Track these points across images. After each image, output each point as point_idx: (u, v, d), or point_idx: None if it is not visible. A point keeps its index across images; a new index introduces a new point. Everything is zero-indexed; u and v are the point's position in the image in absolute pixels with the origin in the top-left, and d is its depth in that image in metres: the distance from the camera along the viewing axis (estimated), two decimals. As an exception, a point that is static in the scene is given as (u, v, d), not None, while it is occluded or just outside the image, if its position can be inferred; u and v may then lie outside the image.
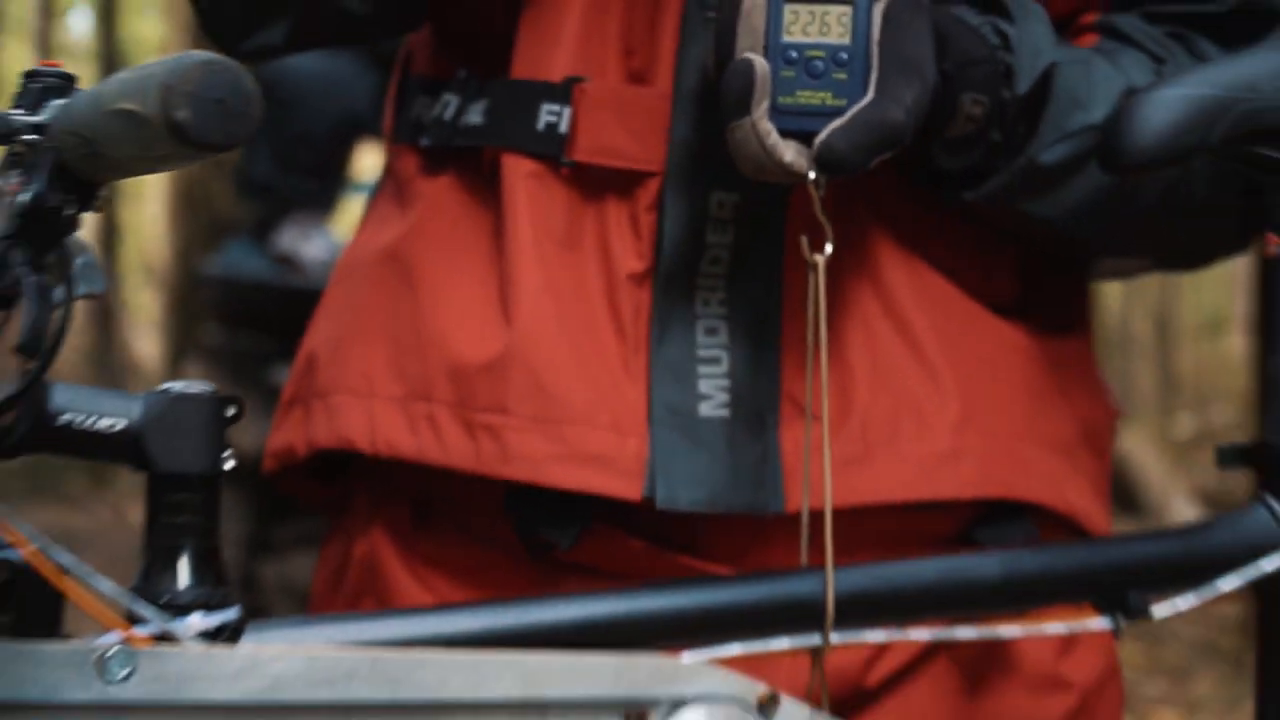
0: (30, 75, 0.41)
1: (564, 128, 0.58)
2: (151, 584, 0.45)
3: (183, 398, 0.45)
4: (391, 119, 0.69)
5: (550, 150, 0.58)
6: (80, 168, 0.39)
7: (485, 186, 0.61)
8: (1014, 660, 0.64)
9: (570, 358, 0.57)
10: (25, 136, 0.39)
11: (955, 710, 0.62)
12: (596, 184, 0.59)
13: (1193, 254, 0.71)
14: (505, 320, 0.58)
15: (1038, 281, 0.66)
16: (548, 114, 0.58)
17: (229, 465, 0.45)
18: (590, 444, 0.56)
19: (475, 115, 0.61)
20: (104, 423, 0.44)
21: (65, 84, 0.41)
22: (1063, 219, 0.60)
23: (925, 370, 0.60)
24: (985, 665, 0.63)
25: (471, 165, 0.63)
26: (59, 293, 0.40)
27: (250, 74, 0.36)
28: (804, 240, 0.52)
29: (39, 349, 0.39)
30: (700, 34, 0.55)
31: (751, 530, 0.59)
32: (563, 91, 0.58)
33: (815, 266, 0.51)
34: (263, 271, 2.14)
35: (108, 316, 7.41)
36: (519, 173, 0.59)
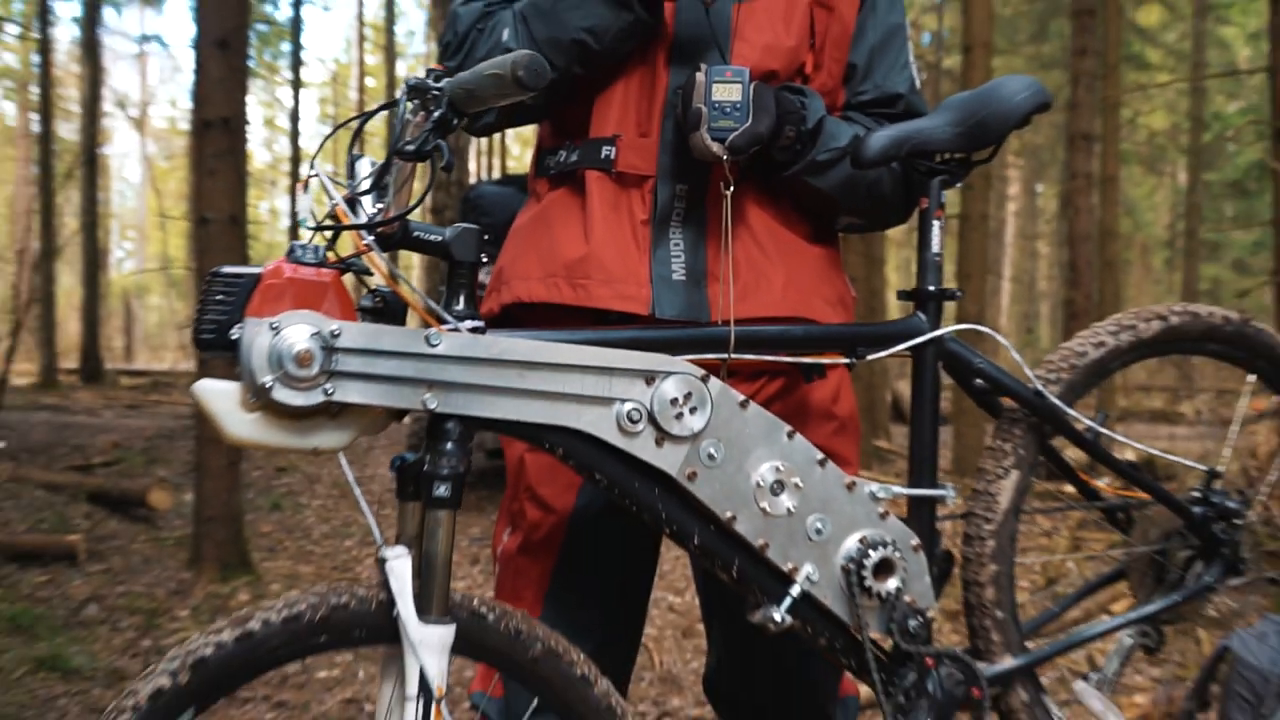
0: (428, 71, 0.94)
1: (612, 156, 1.26)
2: (446, 304, 0.99)
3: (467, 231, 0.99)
4: (533, 169, 1.39)
5: (606, 167, 1.28)
6: (461, 103, 0.93)
7: (577, 189, 1.30)
8: (810, 402, 1.30)
9: (616, 256, 1.25)
10: (433, 91, 0.93)
11: (777, 414, 1.25)
12: (626, 181, 1.27)
13: (883, 219, 1.41)
14: (586, 241, 1.26)
15: (818, 224, 1.34)
16: (605, 150, 1.27)
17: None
18: (627, 291, 1.23)
19: (574, 156, 1.29)
20: (432, 235, 0.98)
21: (444, 73, 0.94)
22: (828, 189, 1.28)
23: (768, 260, 1.27)
24: (797, 404, 1.28)
25: (571, 180, 1.29)
26: (449, 159, 0.94)
27: (538, 60, 0.91)
28: (723, 186, 1.17)
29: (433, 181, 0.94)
30: (671, 114, 1.24)
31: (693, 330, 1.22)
32: (611, 141, 1.28)
33: (726, 197, 1.16)
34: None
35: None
36: (593, 178, 1.28)
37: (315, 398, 0.93)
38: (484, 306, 1.32)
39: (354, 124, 1.06)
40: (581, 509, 1.31)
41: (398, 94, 0.98)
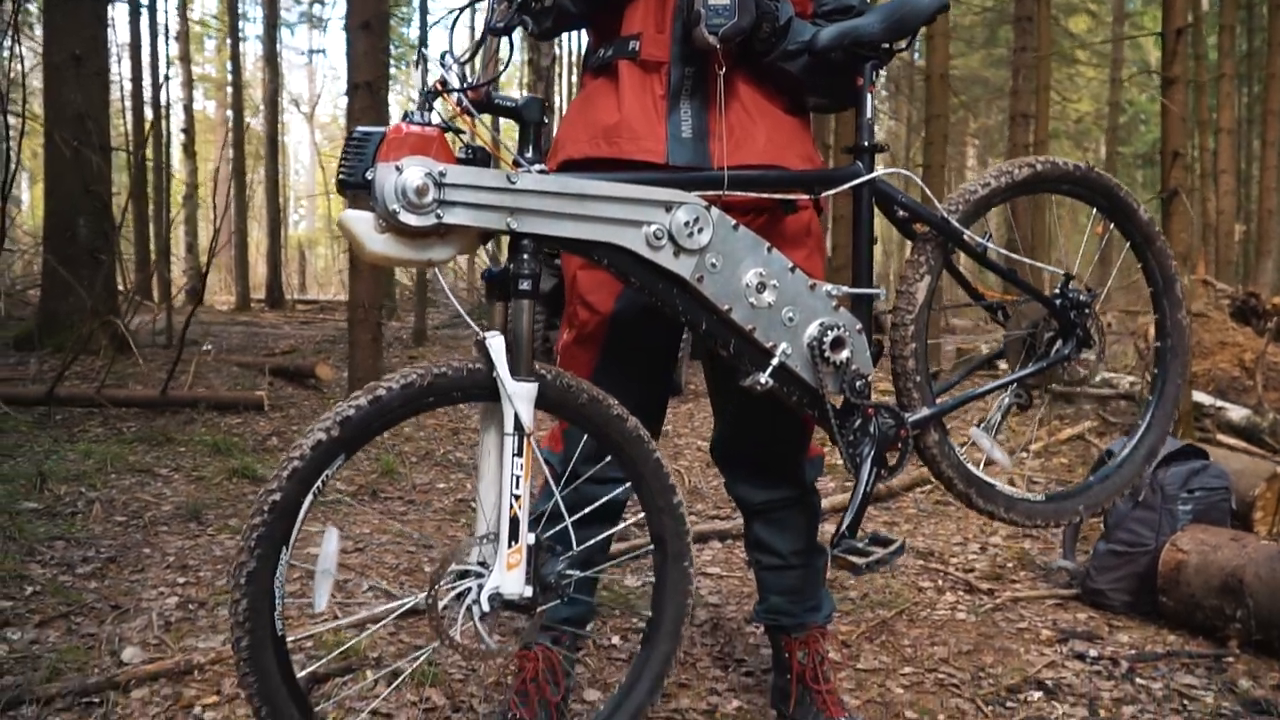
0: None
1: (637, 48, 1.63)
2: (519, 155, 1.33)
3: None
4: (582, 68, 1.72)
5: (633, 56, 1.64)
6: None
7: (612, 76, 1.65)
8: (789, 231, 1.69)
9: (641, 121, 1.61)
10: None
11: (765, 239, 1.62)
12: (648, 67, 1.63)
13: (838, 99, 1.78)
14: (619, 111, 1.62)
15: (793, 101, 1.72)
16: (632, 44, 1.63)
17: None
18: (648, 146, 1.60)
19: (609, 51, 1.66)
20: (509, 103, 1.31)
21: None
22: (796, 71, 1.65)
23: (753, 123, 1.64)
24: (779, 232, 1.66)
25: (608, 70, 1.67)
26: (532, 27, 1.26)
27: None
28: (717, 67, 1.53)
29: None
30: (679, 15, 1.60)
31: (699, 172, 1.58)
32: (636, 37, 1.67)
33: (719, 76, 1.54)
34: None
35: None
36: (623, 65, 1.65)
37: (429, 220, 1.26)
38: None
39: (463, 13, 1.37)
40: (620, 311, 1.70)
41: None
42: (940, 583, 2.90)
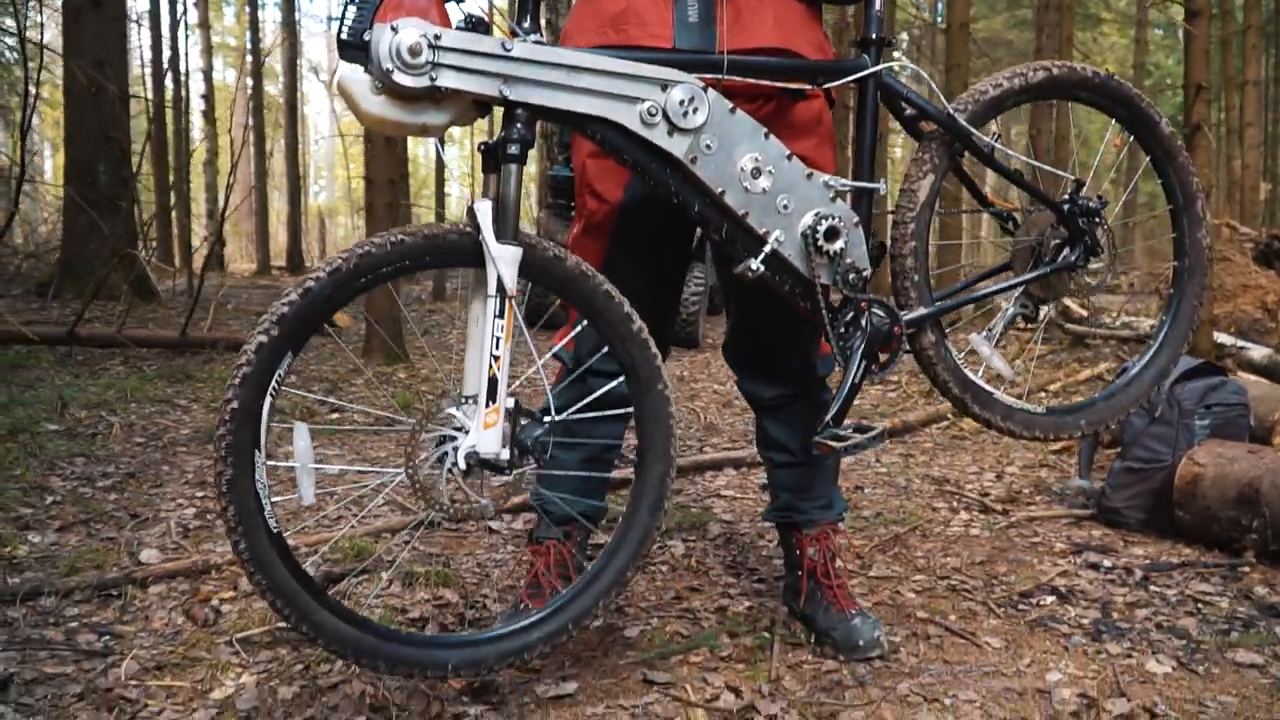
0: None
1: None
2: (517, 22, 1.32)
3: None
4: None
5: None
6: None
7: None
8: (798, 119, 1.67)
9: (648, 7, 1.59)
10: None
11: (771, 128, 1.58)
12: None
13: None
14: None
15: None
16: None
17: None
18: (655, 30, 1.58)
19: None
20: None
21: None
22: None
23: (762, 5, 1.61)
24: (788, 120, 1.64)
25: None
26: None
27: None
28: None
29: None
30: None
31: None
32: None
33: None
34: None
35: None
36: None
37: (423, 81, 1.27)
38: None
39: None
40: (628, 200, 1.70)
41: None
42: (954, 504, 2.90)
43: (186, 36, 17.41)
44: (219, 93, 23.36)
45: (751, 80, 1.53)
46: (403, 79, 1.26)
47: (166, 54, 15.27)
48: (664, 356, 1.81)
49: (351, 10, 1.27)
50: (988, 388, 1.69)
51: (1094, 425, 1.81)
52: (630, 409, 1.55)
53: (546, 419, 1.41)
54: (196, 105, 19.40)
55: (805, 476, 1.90)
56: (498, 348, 1.33)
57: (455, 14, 1.33)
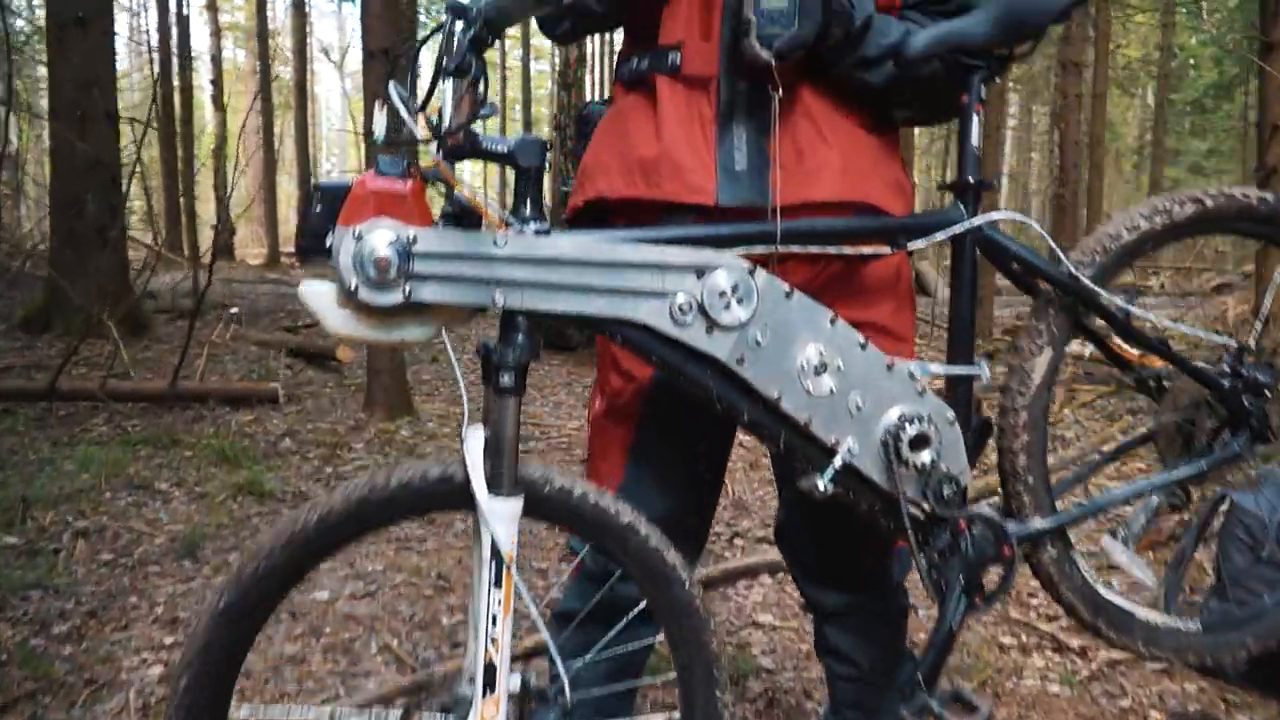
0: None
1: (679, 62, 1.32)
2: (514, 209, 1.09)
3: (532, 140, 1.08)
4: (615, 76, 1.45)
5: (673, 72, 1.33)
6: (495, 21, 1.02)
7: (648, 92, 1.36)
8: (870, 281, 1.37)
9: (687, 152, 1.31)
10: (471, 11, 1.01)
11: (838, 294, 1.33)
12: (692, 84, 1.32)
13: (935, 113, 1.42)
14: (658, 140, 1.32)
15: (876, 115, 1.37)
16: (672, 57, 1.32)
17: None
18: (694, 182, 1.30)
19: (644, 63, 1.36)
20: (498, 145, 1.07)
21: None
22: (877, 83, 1.31)
23: (827, 146, 1.31)
24: (859, 284, 1.35)
25: (643, 85, 1.38)
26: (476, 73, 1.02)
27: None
28: (770, 89, 1.23)
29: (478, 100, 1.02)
30: (729, 17, 1.28)
31: (758, 214, 1.29)
32: (676, 48, 1.34)
33: (774, 99, 1.23)
34: None
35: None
36: (662, 82, 1.34)
37: (395, 298, 1.04)
38: (571, 201, 1.43)
39: (429, 44, 1.13)
40: (660, 378, 1.40)
41: (442, 18, 1.06)
42: (1024, 638, 2.53)
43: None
44: (228, 74, 23.13)
45: (813, 249, 1.24)
46: (371, 296, 1.03)
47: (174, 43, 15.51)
48: (700, 551, 1.54)
49: (315, 209, 1.06)
50: (1126, 606, 1.36)
51: (1264, 643, 1.45)
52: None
53: (560, 696, 1.16)
54: (205, 89, 19.54)
55: (874, 697, 1.57)
56: (495, 626, 1.08)
57: (437, 202, 1.10)
